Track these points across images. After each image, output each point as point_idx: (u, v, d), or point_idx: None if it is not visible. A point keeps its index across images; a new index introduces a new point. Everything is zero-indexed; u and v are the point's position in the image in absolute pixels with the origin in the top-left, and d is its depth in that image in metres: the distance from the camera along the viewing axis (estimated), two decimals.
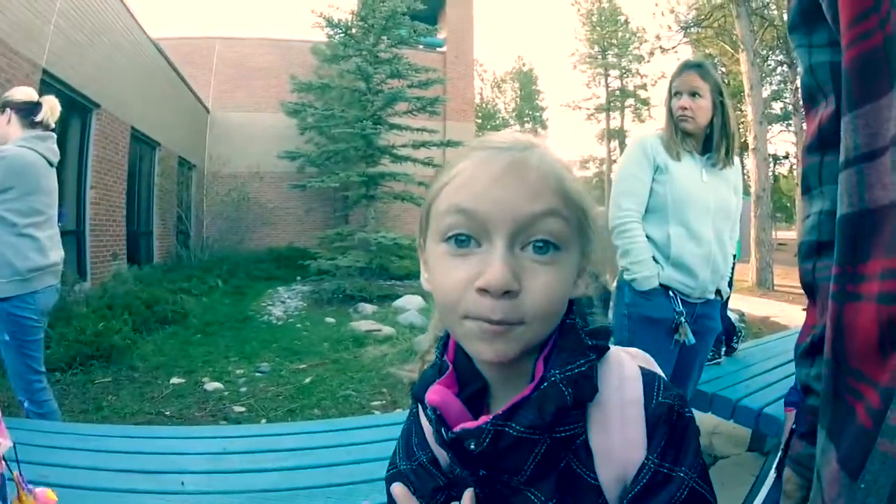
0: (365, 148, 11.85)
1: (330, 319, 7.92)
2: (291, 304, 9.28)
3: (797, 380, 0.70)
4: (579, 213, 0.61)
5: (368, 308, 8.72)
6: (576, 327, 0.64)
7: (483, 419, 0.60)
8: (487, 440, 0.58)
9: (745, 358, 3.70)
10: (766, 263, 12.80)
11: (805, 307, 0.68)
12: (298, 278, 11.32)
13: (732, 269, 2.63)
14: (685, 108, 2.22)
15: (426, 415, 0.67)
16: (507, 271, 0.55)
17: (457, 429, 0.60)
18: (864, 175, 0.40)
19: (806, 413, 0.67)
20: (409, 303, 8.57)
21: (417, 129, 12.19)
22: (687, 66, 2.31)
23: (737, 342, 3.78)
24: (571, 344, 0.62)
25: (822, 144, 0.57)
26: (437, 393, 0.64)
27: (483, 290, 0.56)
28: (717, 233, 2.25)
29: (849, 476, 0.38)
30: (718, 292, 2.35)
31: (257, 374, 5.15)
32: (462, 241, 0.59)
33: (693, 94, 2.22)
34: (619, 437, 0.62)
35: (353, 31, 12.36)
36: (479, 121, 31.49)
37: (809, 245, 0.62)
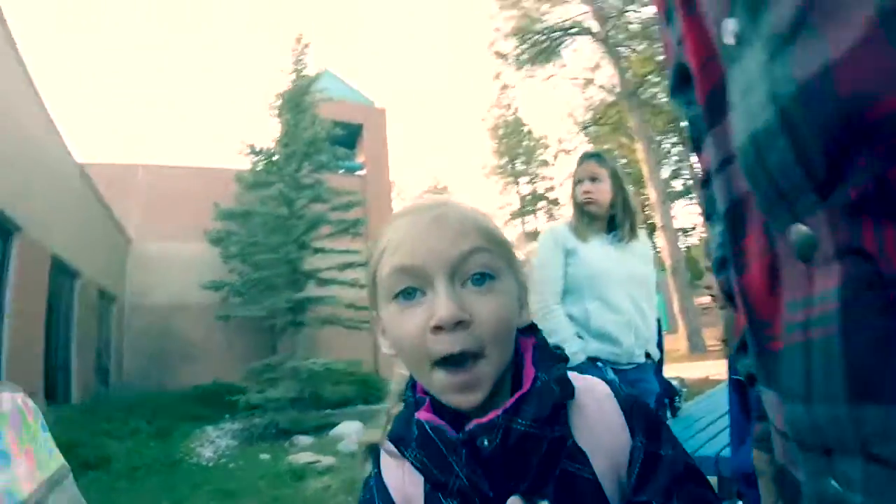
0: (290, 273, 11.81)
1: (265, 456, 7.48)
2: (222, 444, 8.66)
3: (741, 374, 0.75)
4: (502, 246, 0.71)
5: (305, 440, 8.32)
6: (546, 343, 0.75)
7: (493, 414, 0.64)
8: (500, 435, 0.63)
9: (692, 414, 3.78)
10: (694, 329, 13.38)
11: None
12: (227, 416, 10.70)
13: (660, 333, 2.79)
14: (588, 192, 2.45)
15: (408, 453, 0.68)
16: (453, 305, 0.63)
17: (470, 425, 0.64)
18: (728, 175, 0.51)
19: (756, 398, 0.74)
20: (349, 429, 8.24)
21: (341, 252, 12.28)
22: (586, 157, 2.59)
23: (679, 402, 3.90)
24: (547, 355, 0.73)
25: (710, 179, 0.67)
26: (425, 416, 0.68)
27: (438, 328, 0.63)
28: (634, 300, 2.41)
29: (781, 393, 0.45)
30: (648, 356, 2.47)
31: None
32: (409, 294, 0.67)
33: (593, 179, 2.47)
34: (603, 429, 0.69)
35: (276, 157, 12.67)
36: None
37: (718, 260, 0.70)
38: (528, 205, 34.94)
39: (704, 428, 3.26)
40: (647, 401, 2.41)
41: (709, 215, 0.72)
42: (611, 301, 2.36)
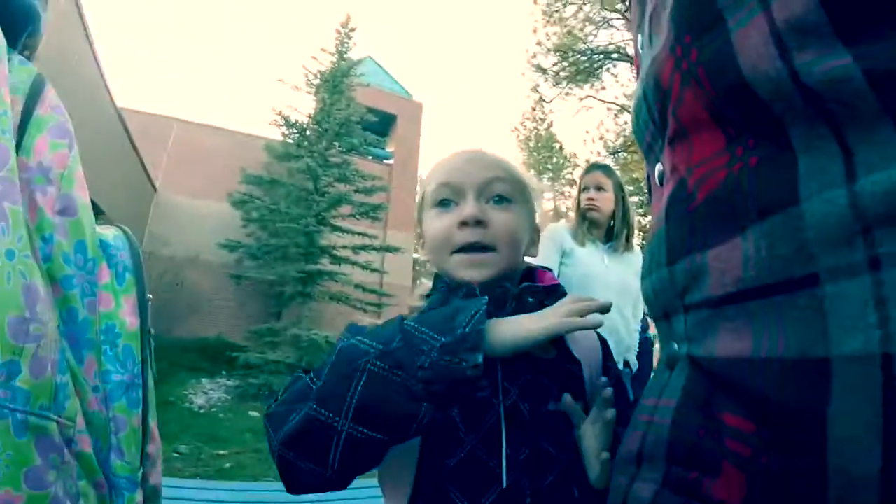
0: (306, 245, 11.98)
1: (254, 413, 7.66)
2: (214, 396, 8.90)
3: None
4: (520, 183, 0.92)
5: None
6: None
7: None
8: (538, 299, 0.83)
9: None
10: None
11: None
12: (224, 372, 10.94)
13: (650, 349, 2.86)
14: (592, 199, 2.58)
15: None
16: (477, 208, 0.85)
17: (521, 285, 0.86)
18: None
19: None
20: None
21: (359, 233, 12.49)
22: (593, 167, 2.73)
23: None
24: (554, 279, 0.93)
25: None
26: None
27: (463, 224, 0.84)
28: (619, 309, 2.50)
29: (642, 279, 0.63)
30: (627, 364, 2.56)
31: (174, 455, 4.96)
32: (445, 203, 0.88)
33: (598, 188, 2.59)
34: (588, 349, 0.90)
35: (308, 132, 12.92)
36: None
37: None
38: (550, 221, 34.56)
39: None
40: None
41: None
42: None
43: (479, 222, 0.83)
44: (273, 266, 12.20)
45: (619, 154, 19.30)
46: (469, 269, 0.84)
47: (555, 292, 0.85)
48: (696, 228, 0.46)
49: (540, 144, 31.43)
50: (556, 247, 2.53)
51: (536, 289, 0.85)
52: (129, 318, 0.71)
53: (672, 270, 0.50)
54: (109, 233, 0.80)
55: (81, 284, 0.66)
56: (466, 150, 0.94)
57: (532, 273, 0.93)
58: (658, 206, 0.55)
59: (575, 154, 30.92)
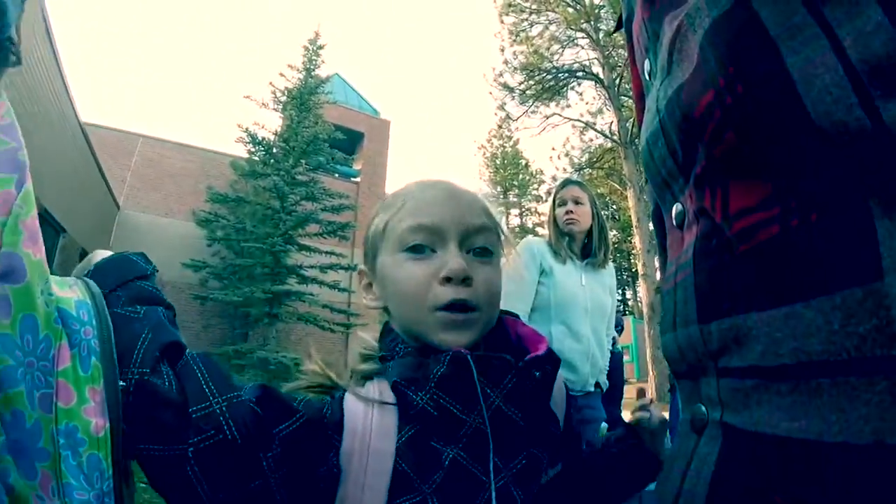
0: (273, 265, 11.83)
1: None
2: None
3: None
4: (499, 231, 0.82)
5: None
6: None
7: (540, 350, 0.76)
8: (543, 371, 0.74)
9: None
10: (664, 378, 13.44)
11: None
12: None
13: (622, 366, 2.83)
14: (571, 213, 2.52)
15: (420, 396, 0.69)
16: (464, 262, 0.73)
17: (527, 357, 0.74)
18: (651, 187, 0.63)
19: None
20: None
21: (326, 252, 12.38)
22: (569, 182, 2.68)
23: None
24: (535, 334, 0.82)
25: None
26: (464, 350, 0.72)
27: (447, 279, 0.72)
28: (595, 330, 2.47)
29: (660, 329, 0.59)
30: (598, 384, 2.53)
31: (140, 485, 4.78)
32: (419, 249, 0.75)
33: (577, 202, 2.54)
34: (560, 402, 0.86)
35: (275, 150, 12.81)
36: None
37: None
38: (517, 237, 34.79)
39: None
40: (593, 427, 2.47)
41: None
42: (574, 328, 2.41)
43: (465, 279, 0.73)
44: (239, 286, 11.99)
45: (585, 170, 19.60)
46: (452, 332, 0.72)
47: (551, 357, 0.76)
48: (737, 286, 0.42)
49: (506, 162, 31.77)
50: (535, 264, 2.45)
51: (540, 360, 0.74)
52: (95, 420, 0.56)
53: (705, 329, 0.46)
54: (72, 297, 0.63)
55: (31, 375, 0.52)
56: (439, 182, 0.82)
57: (501, 323, 0.83)
58: (678, 251, 0.52)
59: (541, 171, 31.35)
